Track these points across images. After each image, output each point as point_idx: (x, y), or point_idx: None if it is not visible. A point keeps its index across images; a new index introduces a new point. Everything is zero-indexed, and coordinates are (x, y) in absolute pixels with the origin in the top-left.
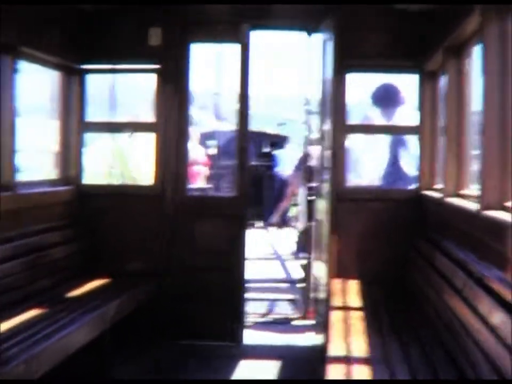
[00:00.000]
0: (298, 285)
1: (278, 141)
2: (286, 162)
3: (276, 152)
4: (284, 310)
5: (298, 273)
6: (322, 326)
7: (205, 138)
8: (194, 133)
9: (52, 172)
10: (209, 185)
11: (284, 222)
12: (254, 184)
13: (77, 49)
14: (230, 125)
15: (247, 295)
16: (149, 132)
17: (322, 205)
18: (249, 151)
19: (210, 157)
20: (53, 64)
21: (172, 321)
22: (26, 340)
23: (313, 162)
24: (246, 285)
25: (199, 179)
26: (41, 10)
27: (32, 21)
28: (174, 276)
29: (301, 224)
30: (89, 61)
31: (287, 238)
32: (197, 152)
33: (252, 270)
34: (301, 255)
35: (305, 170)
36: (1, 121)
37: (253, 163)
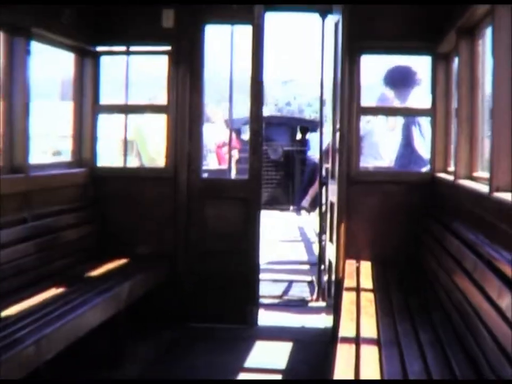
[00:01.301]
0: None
1: (311, 125)
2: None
3: (310, 137)
4: (301, 291)
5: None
6: (334, 308)
7: (240, 123)
8: (217, 115)
9: (66, 154)
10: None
11: (315, 206)
12: (286, 168)
13: (90, 31)
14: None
15: (265, 277)
16: (161, 114)
17: (335, 187)
18: (283, 135)
19: (243, 141)
20: (67, 46)
21: (186, 304)
22: (38, 321)
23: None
24: (265, 267)
25: (229, 162)
26: None
27: (45, 3)
28: (187, 258)
29: (323, 207)
30: (102, 42)
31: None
32: (223, 135)
33: (275, 252)
34: (323, 237)
35: (326, 153)
36: (15, 104)
37: (286, 148)
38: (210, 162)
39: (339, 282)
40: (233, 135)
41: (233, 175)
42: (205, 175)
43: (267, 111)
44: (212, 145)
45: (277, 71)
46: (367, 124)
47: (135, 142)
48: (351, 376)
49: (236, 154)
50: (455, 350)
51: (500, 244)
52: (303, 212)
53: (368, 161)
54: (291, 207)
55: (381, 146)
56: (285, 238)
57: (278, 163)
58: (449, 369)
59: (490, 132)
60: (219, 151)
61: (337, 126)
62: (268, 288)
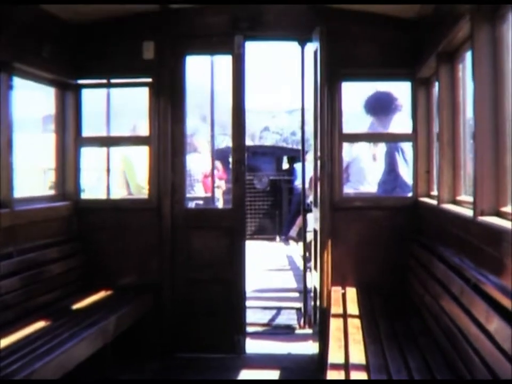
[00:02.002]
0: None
1: (298, 154)
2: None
3: (296, 166)
4: (288, 319)
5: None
6: (320, 335)
7: (227, 152)
8: (204, 145)
9: (49, 187)
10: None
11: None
12: (273, 198)
13: (71, 64)
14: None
15: (252, 304)
16: (143, 145)
17: (319, 215)
18: (268, 165)
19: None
20: (48, 80)
21: (172, 334)
22: (27, 356)
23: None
24: (253, 294)
25: (212, 190)
26: (35, 26)
27: (26, 37)
28: (173, 288)
29: (310, 236)
30: (83, 75)
31: None
32: (207, 165)
33: (263, 280)
34: (308, 264)
35: (310, 181)
36: None
37: (272, 177)
38: (198, 192)
39: (325, 309)
40: (220, 165)
41: (220, 205)
42: (193, 203)
43: (271, 140)
44: (199, 175)
45: (282, 100)
46: (353, 150)
47: (124, 172)
48: None
49: (222, 185)
50: (445, 375)
51: (485, 267)
52: (291, 242)
53: (355, 187)
54: (278, 237)
55: (367, 172)
56: (273, 266)
57: (265, 192)
58: None
59: (473, 156)
60: (206, 180)
61: (318, 154)
62: (255, 316)
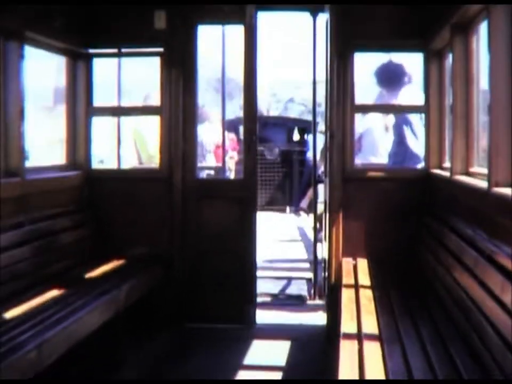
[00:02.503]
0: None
1: (308, 126)
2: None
3: (308, 137)
4: (299, 289)
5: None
6: (331, 306)
7: (238, 124)
8: (214, 116)
9: (60, 157)
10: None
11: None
12: (284, 169)
13: (82, 33)
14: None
15: (263, 274)
16: (155, 115)
17: (329, 185)
18: (279, 136)
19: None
20: (59, 49)
21: (183, 305)
22: (38, 325)
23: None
24: (264, 265)
25: (223, 160)
26: None
27: (37, 6)
28: (184, 258)
29: (321, 207)
30: (95, 45)
31: None
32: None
33: (274, 251)
34: (319, 235)
35: (321, 153)
36: (10, 108)
37: (284, 148)
38: (209, 163)
39: (336, 281)
40: (233, 136)
41: (232, 176)
42: (204, 173)
43: (296, 111)
44: (211, 146)
45: (307, 71)
46: (366, 121)
47: (134, 142)
48: (355, 373)
49: (235, 155)
50: (458, 346)
51: (500, 238)
52: (302, 213)
53: (367, 159)
54: (289, 208)
55: (380, 144)
56: (284, 237)
57: (276, 164)
58: (452, 365)
59: (488, 127)
60: (218, 151)
61: (329, 125)
62: (265, 286)
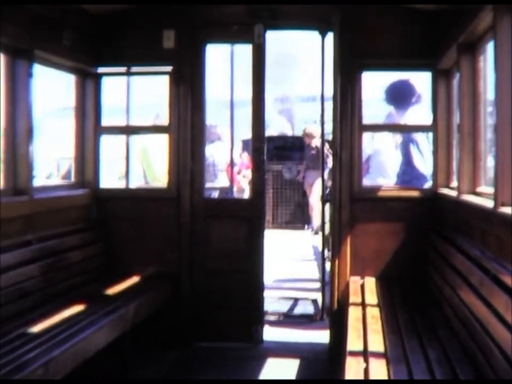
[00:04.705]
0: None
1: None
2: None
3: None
4: (306, 309)
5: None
6: (336, 324)
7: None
8: (226, 135)
9: (69, 176)
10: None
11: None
12: (302, 188)
13: (91, 52)
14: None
15: (274, 294)
16: (163, 134)
17: (337, 205)
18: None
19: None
20: (68, 68)
21: (191, 324)
22: (45, 343)
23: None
24: (275, 284)
25: (231, 179)
26: (55, 13)
27: (47, 25)
28: (192, 277)
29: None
30: (104, 64)
31: None
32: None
33: (287, 270)
34: (326, 255)
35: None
36: (19, 126)
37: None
38: (221, 181)
39: (343, 299)
40: (246, 155)
41: (246, 195)
42: (216, 193)
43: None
44: (223, 164)
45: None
46: (374, 142)
47: (142, 161)
48: None
49: (249, 174)
50: (464, 365)
51: (505, 258)
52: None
53: (375, 180)
54: (307, 227)
55: (388, 165)
56: (299, 257)
57: (294, 182)
58: None
59: (494, 147)
60: (229, 169)
61: (337, 144)
62: (274, 305)
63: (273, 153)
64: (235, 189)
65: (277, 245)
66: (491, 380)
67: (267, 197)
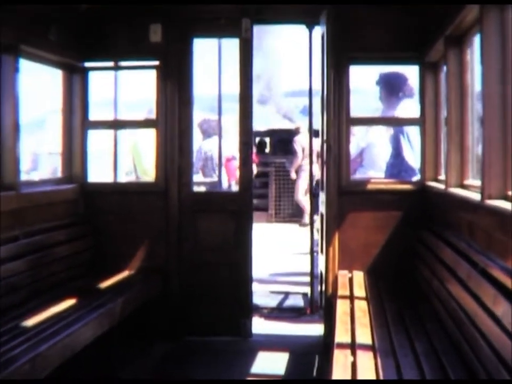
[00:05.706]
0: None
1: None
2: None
3: None
4: (296, 303)
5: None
6: (326, 318)
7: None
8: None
9: (56, 170)
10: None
11: None
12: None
13: (78, 46)
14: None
15: (264, 288)
16: (151, 128)
17: (325, 198)
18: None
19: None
20: (55, 63)
21: (179, 318)
22: (32, 339)
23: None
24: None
25: (219, 173)
26: (42, 9)
27: (33, 20)
28: (180, 271)
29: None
30: (91, 58)
31: None
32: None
33: (282, 264)
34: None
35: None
36: (5, 121)
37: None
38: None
39: (331, 293)
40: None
41: None
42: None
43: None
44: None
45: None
46: (369, 136)
47: (133, 156)
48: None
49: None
50: (451, 358)
51: (493, 251)
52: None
53: (367, 174)
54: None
55: (381, 158)
56: (296, 250)
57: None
58: (445, 377)
59: (481, 140)
60: (228, 164)
61: (325, 137)
62: (265, 300)
63: (277, 146)
64: (233, 183)
65: (277, 239)
66: (483, 380)
67: (270, 191)
